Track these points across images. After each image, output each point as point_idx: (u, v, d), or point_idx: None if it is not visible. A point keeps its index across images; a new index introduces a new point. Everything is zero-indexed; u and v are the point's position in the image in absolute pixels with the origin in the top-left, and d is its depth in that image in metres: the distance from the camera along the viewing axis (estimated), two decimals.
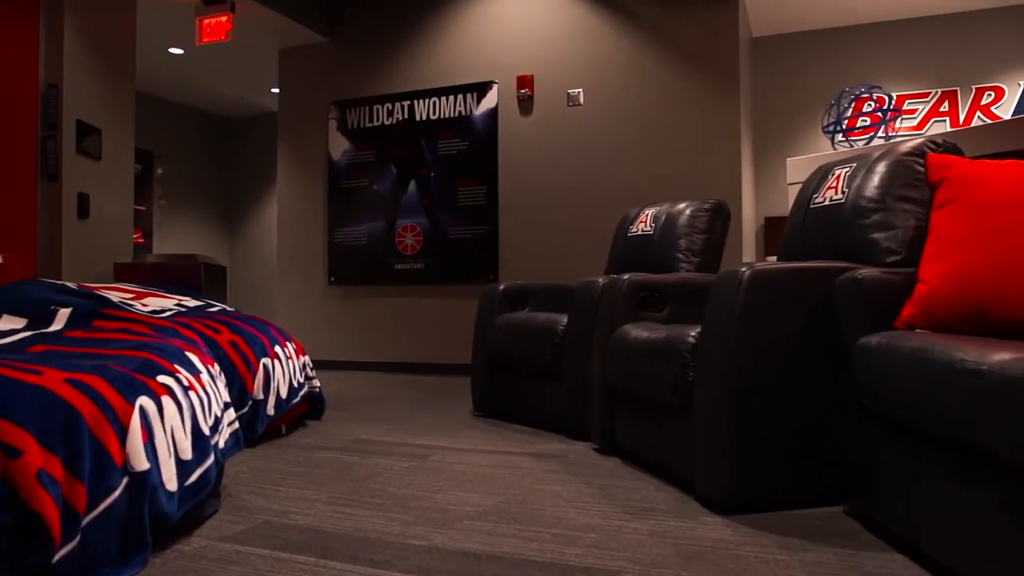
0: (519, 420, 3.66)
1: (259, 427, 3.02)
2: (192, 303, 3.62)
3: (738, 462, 2.05)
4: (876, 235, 2.32)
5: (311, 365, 3.63)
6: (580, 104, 5.79)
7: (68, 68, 4.21)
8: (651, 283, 2.89)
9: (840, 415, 2.06)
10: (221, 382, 2.26)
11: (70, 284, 3.15)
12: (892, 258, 2.24)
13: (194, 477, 1.86)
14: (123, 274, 4.36)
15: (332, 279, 6.57)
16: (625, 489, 2.34)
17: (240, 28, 6.05)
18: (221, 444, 2.07)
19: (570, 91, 5.82)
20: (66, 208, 4.17)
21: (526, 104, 5.95)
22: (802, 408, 2.08)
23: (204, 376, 2.08)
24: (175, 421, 1.82)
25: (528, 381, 3.56)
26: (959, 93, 6.15)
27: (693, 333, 2.24)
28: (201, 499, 1.91)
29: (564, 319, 3.33)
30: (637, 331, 2.61)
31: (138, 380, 1.78)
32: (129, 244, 4.67)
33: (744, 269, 2.09)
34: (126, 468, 1.63)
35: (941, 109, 6.20)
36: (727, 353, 2.06)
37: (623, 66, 5.69)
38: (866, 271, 1.99)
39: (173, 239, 8.66)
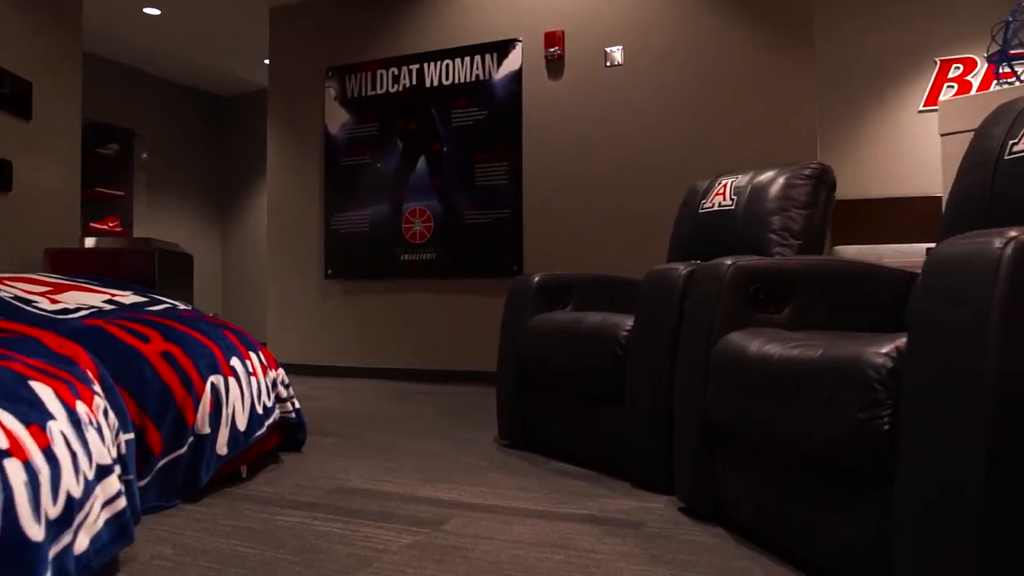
0: (563, 455, 2.77)
1: (203, 475, 2.14)
2: (131, 299, 2.75)
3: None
4: None
5: (286, 381, 2.75)
6: (619, 64, 4.88)
7: None
8: (767, 270, 1.99)
9: None
10: (99, 431, 1.38)
11: None
12: None
13: None
14: (58, 262, 3.49)
15: (329, 272, 5.69)
16: None
17: None
18: (83, 546, 1.19)
19: (607, 49, 4.91)
20: None
21: (555, 65, 5.05)
22: None
23: (56, 427, 1.20)
24: None
25: (576, 403, 2.67)
26: None
27: (885, 349, 1.34)
28: None
29: (627, 321, 2.44)
30: (759, 343, 1.71)
31: None
32: (73, 226, 3.81)
33: (999, 241, 1.19)
34: None
35: None
36: (975, 385, 1.15)
37: (670, 19, 4.77)
38: None
39: (158, 228, 7.81)
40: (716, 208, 2.92)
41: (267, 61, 6.22)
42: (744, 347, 1.75)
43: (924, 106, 5.41)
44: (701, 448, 1.94)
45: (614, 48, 4.90)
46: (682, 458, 2.03)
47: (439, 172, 5.30)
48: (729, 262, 1.97)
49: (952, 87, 5.30)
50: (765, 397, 1.63)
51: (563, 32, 5.02)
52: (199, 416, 2.16)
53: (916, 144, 5.40)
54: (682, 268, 2.25)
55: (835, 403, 1.39)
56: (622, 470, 2.42)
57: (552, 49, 5.02)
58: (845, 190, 5.65)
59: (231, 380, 2.32)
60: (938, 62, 5.36)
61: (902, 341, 1.32)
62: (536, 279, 3.03)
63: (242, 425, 2.33)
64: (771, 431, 1.62)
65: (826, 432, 1.41)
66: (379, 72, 5.54)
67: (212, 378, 2.24)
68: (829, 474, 1.48)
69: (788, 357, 1.57)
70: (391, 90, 5.49)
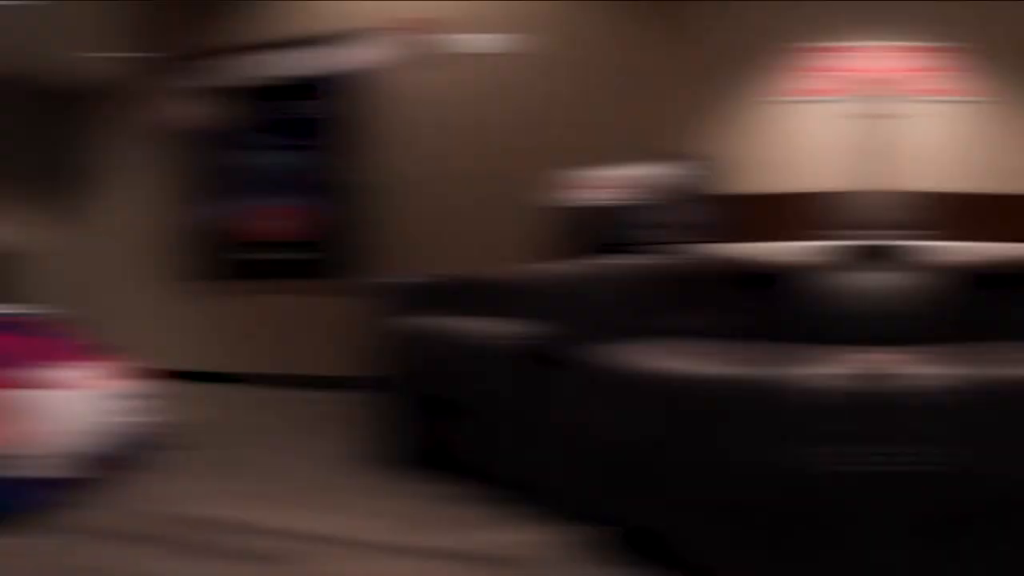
0: (452, 475, 2.49)
1: (10, 504, 1.80)
2: None
3: None
4: None
5: (133, 392, 2.39)
6: (490, 53, 4.68)
7: None
8: (663, 270, 1.89)
9: None
10: None
11: None
12: None
13: None
14: None
15: (181, 273, 5.23)
16: None
17: None
18: None
19: (478, 36, 4.70)
20: None
21: (420, 55, 4.80)
22: None
23: None
24: None
25: (456, 416, 2.47)
26: None
27: (845, 370, 1.23)
28: None
29: (510, 327, 2.26)
30: (666, 357, 1.59)
31: None
32: None
33: None
34: None
35: None
36: None
37: (537, 6, 4.63)
38: None
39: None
40: (596, 202, 2.84)
41: (107, 52, 5.69)
42: (650, 363, 1.61)
43: (793, 96, 5.24)
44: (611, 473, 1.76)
45: (486, 35, 4.70)
46: (575, 479, 1.87)
47: (295, 168, 4.98)
48: (623, 261, 1.85)
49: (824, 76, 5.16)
50: (677, 418, 1.49)
51: (428, 18, 4.74)
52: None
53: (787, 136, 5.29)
54: (568, 267, 2.12)
55: (765, 433, 1.28)
56: (522, 493, 2.20)
57: (416, 37, 4.77)
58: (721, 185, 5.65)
59: (57, 393, 1.99)
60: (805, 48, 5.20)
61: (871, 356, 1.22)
62: (409, 280, 2.84)
63: (70, 444, 1.99)
64: (682, 456, 1.49)
65: (748, 466, 1.30)
66: (229, 62, 5.12)
67: (27, 391, 1.91)
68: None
69: (707, 376, 1.44)
70: (242, 82, 5.10)
